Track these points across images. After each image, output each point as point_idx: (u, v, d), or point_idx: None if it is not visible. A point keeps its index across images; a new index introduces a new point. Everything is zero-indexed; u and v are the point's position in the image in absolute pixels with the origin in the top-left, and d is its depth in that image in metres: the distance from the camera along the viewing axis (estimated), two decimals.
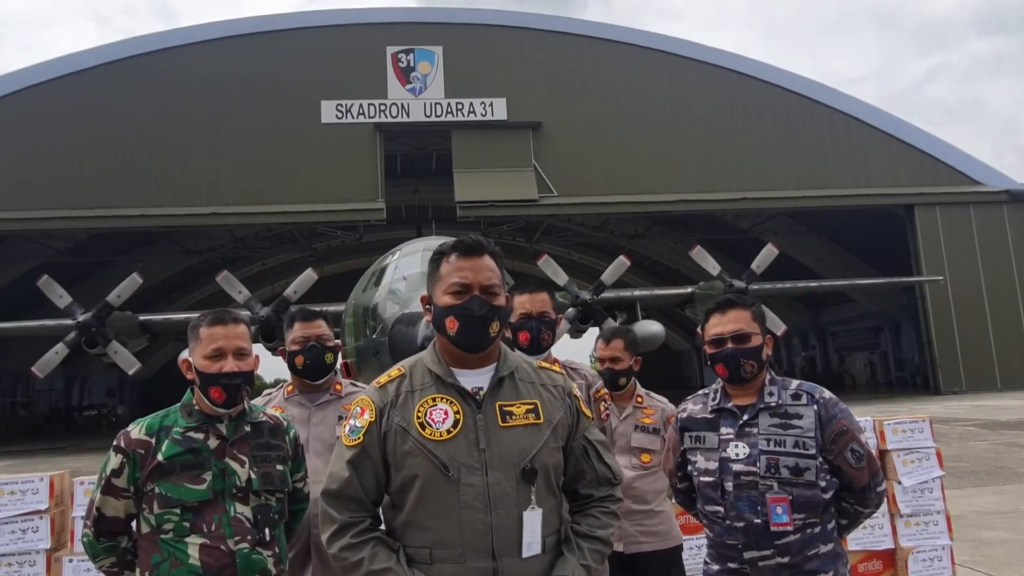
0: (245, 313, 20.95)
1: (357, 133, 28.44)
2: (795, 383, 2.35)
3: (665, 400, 3.60)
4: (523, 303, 2.77)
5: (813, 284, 31.21)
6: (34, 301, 23.96)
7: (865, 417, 5.04)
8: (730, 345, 2.31)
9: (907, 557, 4.67)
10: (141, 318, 22.86)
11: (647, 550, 3.37)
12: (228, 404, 2.20)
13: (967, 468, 10.41)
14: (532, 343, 2.72)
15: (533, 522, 1.74)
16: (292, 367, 2.92)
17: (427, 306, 1.92)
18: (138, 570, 2.14)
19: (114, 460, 2.16)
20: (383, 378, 1.89)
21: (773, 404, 2.29)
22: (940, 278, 28.99)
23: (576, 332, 24.35)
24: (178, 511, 2.08)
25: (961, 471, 10.16)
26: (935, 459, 4.90)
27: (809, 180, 29.74)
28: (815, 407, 2.26)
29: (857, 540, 4.68)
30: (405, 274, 14.14)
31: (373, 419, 1.80)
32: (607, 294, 22.35)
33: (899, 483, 4.79)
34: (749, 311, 2.37)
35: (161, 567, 2.06)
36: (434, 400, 1.80)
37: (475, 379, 1.84)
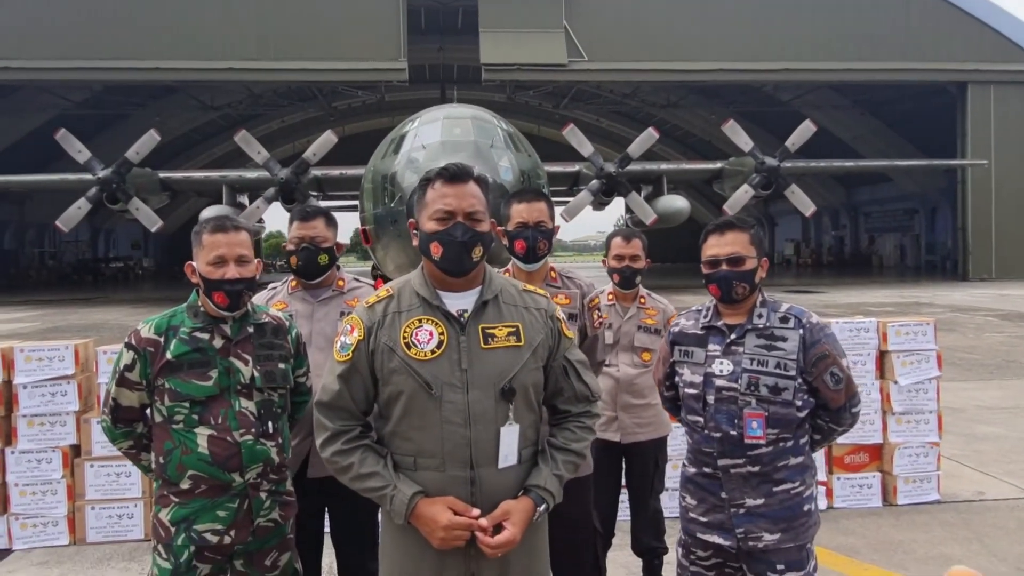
0: (263, 173, 21.04)
1: None
2: (785, 306, 2.43)
3: (665, 301, 3.71)
4: (520, 212, 2.79)
5: (849, 163, 30.34)
6: (53, 153, 24.13)
7: (869, 319, 5.14)
8: (724, 267, 2.38)
9: (894, 452, 4.91)
10: (161, 175, 23.06)
11: (641, 439, 3.61)
12: (231, 308, 2.34)
13: (977, 360, 10.59)
14: (528, 252, 2.76)
15: (510, 437, 1.92)
16: (288, 266, 3.05)
17: (414, 231, 2.02)
18: (153, 453, 2.37)
19: (126, 356, 2.33)
20: (372, 298, 2.02)
21: (761, 326, 2.39)
22: (984, 162, 28.05)
23: (599, 205, 24.22)
24: (187, 405, 2.28)
25: (971, 363, 10.36)
26: (934, 361, 5.04)
27: (856, 51, 28.17)
28: (801, 331, 2.36)
29: (846, 434, 4.91)
30: (424, 143, 14.08)
31: (361, 337, 1.94)
32: (633, 167, 21.97)
33: (895, 383, 4.96)
34: (747, 234, 2.41)
35: (173, 453, 2.29)
36: (420, 321, 1.93)
37: (460, 302, 1.96)
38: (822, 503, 4.84)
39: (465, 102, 19.68)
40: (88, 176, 20.79)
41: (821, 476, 4.91)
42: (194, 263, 2.36)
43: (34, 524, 4.42)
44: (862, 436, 4.98)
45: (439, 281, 1.98)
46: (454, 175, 1.94)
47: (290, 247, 2.97)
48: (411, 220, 2.02)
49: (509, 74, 28.66)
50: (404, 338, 1.90)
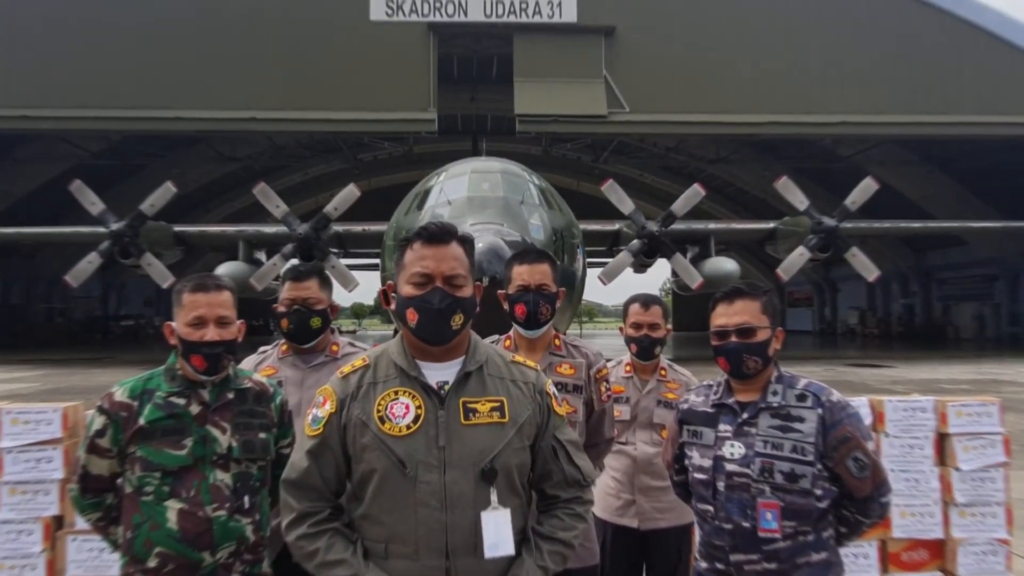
0: (282, 229, 21.53)
1: (408, 33, 28.12)
2: (803, 382, 2.41)
3: (688, 374, 3.70)
4: (521, 274, 2.81)
5: (917, 224, 30.01)
6: (67, 204, 25.05)
7: (926, 397, 5.02)
8: (734, 339, 2.38)
9: (957, 549, 4.73)
10: (176, 229, 23.73)
11: (662, 526, 3.54)
12: (210, 372, 2.41)
13: None
14: (528, 317, 2.77)
15: (496, 522, 1.87)
16: (279, 328, 3.12)
17: (392, 294, 2.03)
18: (121, 527, 2.41)
19: (98, 421, 2.40)
20: (347, 368, 2.04)
21: (775, 404, 2.36)
22: None
23: (640, 267, 24.22)
24: (158, 475, 2.32)
25: None
26: (1001, 447, 4.87)
27: (924, 103, 28.11)
28: (819, 411, 2.32)
29: (902, 528, 4.76)
30: (450, 198, 14.32)
31: (334, 410, 1.95)
32: (678, 226, 22.00)
33: (957, 470, 4.81)
34: (759, 302, 2.41)
35: (142, 528, 2.32)
36: (396, 394, 1.93)
37: (441, 373, 1.97)
38: None
39: (498, 155, 20.05)
40: (101, 229, 21.50)
41: (875, 575, 4.74)
42: (173, 323, 2.44)
43: None
44: (921, 530, 4.81)
45: (418, 350, 1.98)
46: (433, 235, 1.97)
47: (281, 309, 3.04)
48: (389, 283, 2.03)
49: (545, 125, 29.16)
50: (378, 411, 1.90)
